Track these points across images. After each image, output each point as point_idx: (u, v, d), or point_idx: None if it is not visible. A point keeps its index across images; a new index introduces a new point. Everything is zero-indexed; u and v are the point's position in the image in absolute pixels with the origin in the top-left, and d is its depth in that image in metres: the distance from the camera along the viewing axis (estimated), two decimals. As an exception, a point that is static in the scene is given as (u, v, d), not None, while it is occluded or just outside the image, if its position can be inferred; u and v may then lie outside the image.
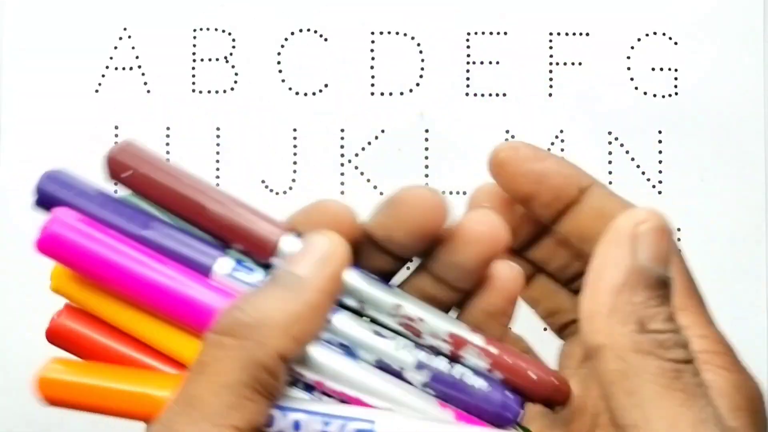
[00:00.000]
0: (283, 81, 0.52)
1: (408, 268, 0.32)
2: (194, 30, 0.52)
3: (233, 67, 0.52)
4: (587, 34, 0.53)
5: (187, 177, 0.31)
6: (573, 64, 0.53)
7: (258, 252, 0.30)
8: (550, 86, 0.53)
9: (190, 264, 0.30)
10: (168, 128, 0.52)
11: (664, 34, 0.53)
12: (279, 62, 0.52)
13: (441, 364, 0.30)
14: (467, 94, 0.53)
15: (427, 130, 0.52)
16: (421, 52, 0.53)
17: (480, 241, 0.31)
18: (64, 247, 0.30)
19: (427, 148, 0.52)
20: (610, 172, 0.53)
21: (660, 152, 0.53)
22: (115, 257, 0.30)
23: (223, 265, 0.30)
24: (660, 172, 0.53)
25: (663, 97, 0.53)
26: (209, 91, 0.52)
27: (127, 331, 0.31)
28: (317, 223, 0.31)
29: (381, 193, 0.51)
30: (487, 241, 0.31)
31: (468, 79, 0.53)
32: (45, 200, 0.30)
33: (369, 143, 0.52)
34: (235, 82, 0.52)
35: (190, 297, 0.30)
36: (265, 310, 0.28)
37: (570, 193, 0.34)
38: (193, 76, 0.52)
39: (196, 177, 0.31)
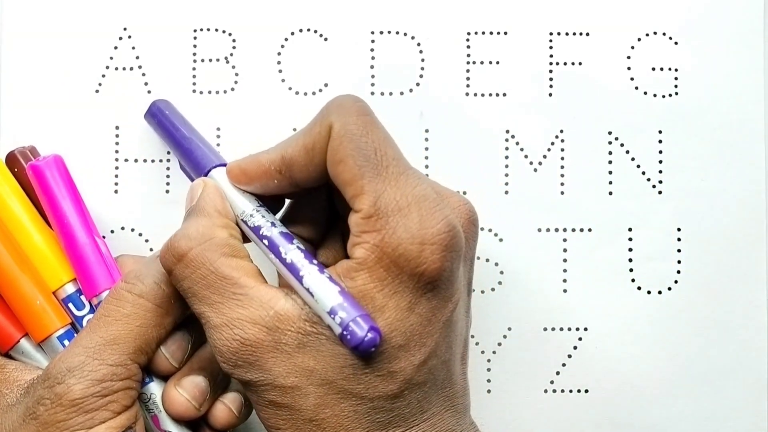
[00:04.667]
0: (283, 81, 0.52)
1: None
2: (194, 30, 0.52)
3: (233, 67, 0.52)
4: (587, 34, 0.53)
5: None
6: (573, 64, 0.53)
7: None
8: (550, 86, 0.53)
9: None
10: (168, 128, 0.52)
11: (664, 34, 0.53)
12: (279, 62, 0.52)
13: None
14: (467, 94, 0.53)
15: (427, 130, 0.52)
16: (421, 52, 0.53)
17: None
18: (41, 178, 0.45)
19: (427, 148, 0.52)
20: (610, 172, 0.53)
21: (660, 152, 0.53)
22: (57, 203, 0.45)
23: None
24: (660, 172, 0.53)
25: (663, 97, 0.53)
26: (209, 91, 0.52)
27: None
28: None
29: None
30: None
31: (468, 79, 0.53)
32: (152, 113, 0.49)
33: (369, 143, 0.52)
34: (236, 82, 0.52)
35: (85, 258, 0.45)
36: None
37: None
38: (194, 76, 0.52)
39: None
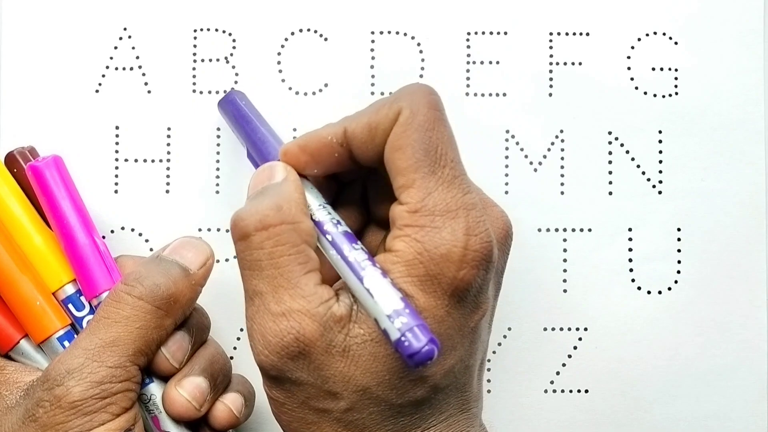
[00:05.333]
0: (283, 81, 0.52)
1: None
2: (194, 30, 0.52)
3: (233, 67, 0.52)
4: (587, 34, 0.53)
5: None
6: (573, 64, 0.53)
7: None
8: (550, 86, 0.53)
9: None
10: (168, 128, 0.52)
11: (664, 34, 0.53)
12: (279, 62, 0.52)
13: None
14: (467, 94, 0.53)
15: (427, 130, 0.52)
16: (421, 52, 0.53)
17: None
18: (40, 178, 0.45)
19: (427, 148, 0.52)
20: (610, 172, 0.53)
21: (660, 152, 0.53)
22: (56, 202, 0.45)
23: None
24: (660, 172, 0.53)
25: (663, 97, 0.53)
26: (209, 92, 0.52)
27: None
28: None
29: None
30: None
31: (468, 79, 0.53)
32: (225, 103, 0.49)
33: (369, 143, 0.52)
34: (236, 82, 0.52)
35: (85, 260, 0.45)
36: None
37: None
38: (194, 76, 0.52)
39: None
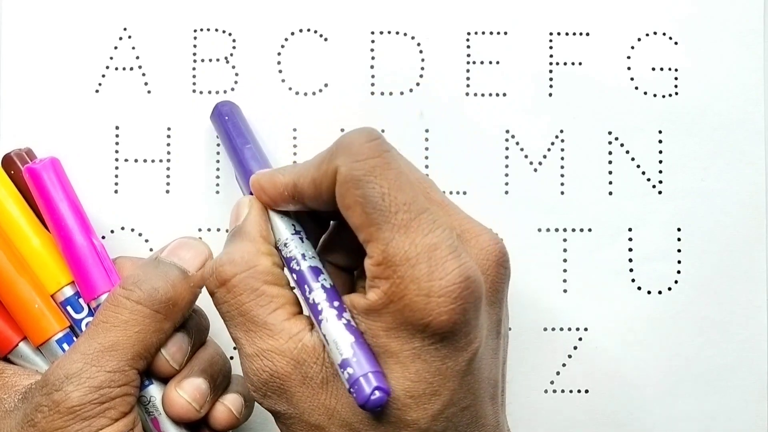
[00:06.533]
0: (283, 81, 0.52)
1: None
2: (194, 30, 0.52)
3: (233, 67, 0.52)
4: (587, 34, 0.53)
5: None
6: (573, 64, 0.53)
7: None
8: (550, 86, 0.53)
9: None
10: (168, 128, 0.52)
11: (664, 34, 0.53)
12: (279, 62, 0.52)
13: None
14: (467, 94, 0.53)
15: (427, 130, 0.52)
16: (421, 52, 0.53)
17: None
18: (38, 180, 0.45)
19: (427, 148, 0.52)
20: (610, 172, 0.53)
21: (660, 152, 0.53)
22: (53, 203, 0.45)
23: None
24: (660, 172, 0.53)
25: (663, 97, 0.53)
26: (209, 92, 0.52)
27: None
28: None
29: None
30: None
31: (468, 79, 0.53)
32: (217, 115, 0.49)
33: (369, 143, 0.52)
34: (236, 82, 0.52)
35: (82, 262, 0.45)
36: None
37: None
38: (194, 76, 0.52)
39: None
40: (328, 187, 0.40)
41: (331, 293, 0.40)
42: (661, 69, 0.53)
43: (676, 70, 0.53)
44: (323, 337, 0.40)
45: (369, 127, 0.40)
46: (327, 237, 0.45)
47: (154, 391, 0.44)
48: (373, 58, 0.52)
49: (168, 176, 0.52)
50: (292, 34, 0.52)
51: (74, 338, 0.45)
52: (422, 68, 0.52)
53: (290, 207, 0.43)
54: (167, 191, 0.52)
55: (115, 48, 0.52)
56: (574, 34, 0.53)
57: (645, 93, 0.53)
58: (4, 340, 0.45)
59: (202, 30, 0.52)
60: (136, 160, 0.52)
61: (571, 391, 0.52)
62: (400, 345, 0.38)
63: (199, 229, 0.51)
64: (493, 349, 0.41)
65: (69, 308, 0.45)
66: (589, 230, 0.53)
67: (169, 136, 0.52)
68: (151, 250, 0.51)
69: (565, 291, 0.52)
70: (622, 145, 0.53)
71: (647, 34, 0.53)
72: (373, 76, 0.52)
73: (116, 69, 0.52)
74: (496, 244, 0.41)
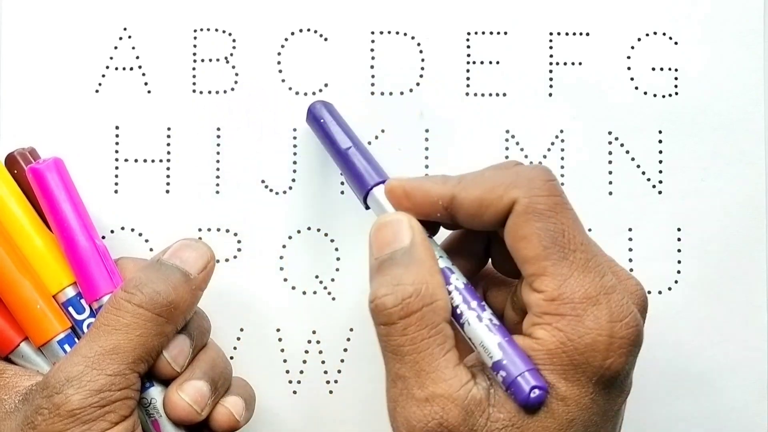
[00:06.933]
0: (283, 81, 0.52)
1: None
2: (194, 30, 0.52)
3: (233, 67, 0.52)
4: (587, 34, 0.53)
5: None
6: (573, 64, 0.53)
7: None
8: (550, 86, 0.53)
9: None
10: (168, 128, 0.52)
11: (664, 34, 0.53)
12: (279, 62, 0.52)
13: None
14: (467, 94, 0.53)
15: (427, 130, 0.52)
16: (421, 52, 0.53)
17: None
18: (41, 181, 0.45)
19: (427, 148, 0.52)
20: (610, 172, 0.53)
21: (660, 152, 0.53)
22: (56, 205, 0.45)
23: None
24: (660, 172, 0.53)
25: (663, 97, 0.53)
26: (209, 92, 0.52)
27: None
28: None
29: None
30: None
31: (468, 79, 0.53)
32: (314, 114, 0.48)
33: (369, 143, 0.52)
34: (236, 82, 0.52)
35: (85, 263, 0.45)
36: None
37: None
38: (194, 76, 0.52)
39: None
40: (496, 212, 0.40)
41: (470, 293, 0.40)
42: (661, 69, 0.53)
43: (676, 70, 0.53)
44: (469, 341, 0.39)
45: (547, 167, 0.41)
46: (445, 245, 0.45)
47: (155, 393, 0.44)
48: (373, 58, 0.52)
49: (168, 176, 0.52)
50: (292, 34, 0.52)
51: (75, 339, 0.45)
52: (422, 68, 0.53)
53: (432, 217, 0.42)
54: (167, 191, 0.52)
55: (115, 48, 0.52)
56: (574, 34, 0.53)
57: (645, 93, 0.53)
58: (5, 340, 0.45)
59: (202, 30, 0.52)
60: (136, 160, 0.52)
61: (571, 391, 0.52)
62: (574, 389, 0.38)
63: (199, 229, 0.51)
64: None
65: (71, 309, 0.45)
66: (589, 230, 0.52)
67: (169, 136, 0.52)
68: (151, 250, 0.51)
69: (565, 291, 0.52)
70: (622, 145, 0.53)
71: (647, 34, 0.53)
72: (373, 76, 0.52)
73: (116, 69, 0.52)
74: (641, 289, 0.41)
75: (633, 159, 0.53)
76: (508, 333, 0.39)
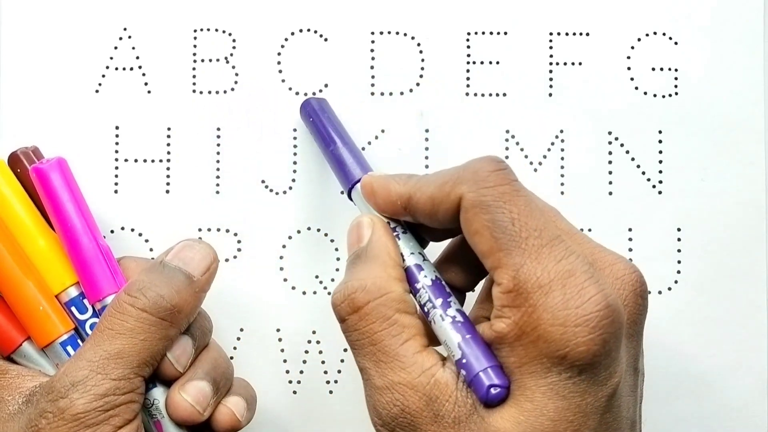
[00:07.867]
0: (283, 81, 0.52)
1: None
2: (194, 30, 0.52)
3: (233, 67, 0.52)
4: (587, 34, 0.53)
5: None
6: (573, 64, 0.53)
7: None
8: (550, 86, 0.53)
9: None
10: (168, 128, 0.52)
11: (664, 34, 0.53)
12: (279, 62, 0.52)
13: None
14: (467, 94, 0.53)
15: (427, 130, 0.52)
16: (421, 52, 0.53)
17: None
18: (45, 181, 0.45)
19: (427, 148, 0.52)
20: (610, 172, 0.53)
21: (660, 152, 0.53)
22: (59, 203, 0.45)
23: None
24: (660, 172, 0.53)
25: (663, 97, 0.53)
26: (209, 92, 0.52)
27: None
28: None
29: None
30: None
31: (468, 79, 0.53)
32: (306, 110, 0.50)
33: (369, 143, 0.52)
34: (236, 82, 0.52)
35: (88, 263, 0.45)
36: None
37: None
38: (194, 76, 0.52)
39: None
40: (447, 210, 0.40)
41: (437, 290, 0.41)
42: (661, 69, 0.53)
43: (676, 70, 0.53)
44: (439, 338, 0.40)
45: (496, 156, 0.40)
46: (442, 256, 0.45)
47: (158, 394, 0.44)
48: (373, 58, 0.52)
49: (168, 176, 0.52)
50: (292, 34, 0.52)
51: (78, 340, 0.45)
52: (422, 68, 0.53)
53: (398, 216, 0.43)
54: (167, 191, 0.52)
55: (115, 48, 0.52)
56: (574, 34, 0.53)
57: (645, 93, 0.53)
58: (7, 340, 0.45)
59: (202, 30, 0.52)
60: (136, 160, 0.52)
61: (571, 391, 0.52)
62: (535, 380, 0.37)
63: (199, 229, 0.51)
64: (630, 386, 0.40)
65: (73, 309, 0.45)
66: (589, 230, 0.53)
67: (169, 136, 0.52)
68: (151, 250, 0.51)
69: (565, 291, 0.52)
70: (622, 145, 0.53)
71: (647, 34, 0.53)
72: (373, 77, 0.52)
73: (116, 69, 0.52)
74: (634, 272, 0.40)
75: (633, 159, 0.53)
76: (473, 330, 0.39)
